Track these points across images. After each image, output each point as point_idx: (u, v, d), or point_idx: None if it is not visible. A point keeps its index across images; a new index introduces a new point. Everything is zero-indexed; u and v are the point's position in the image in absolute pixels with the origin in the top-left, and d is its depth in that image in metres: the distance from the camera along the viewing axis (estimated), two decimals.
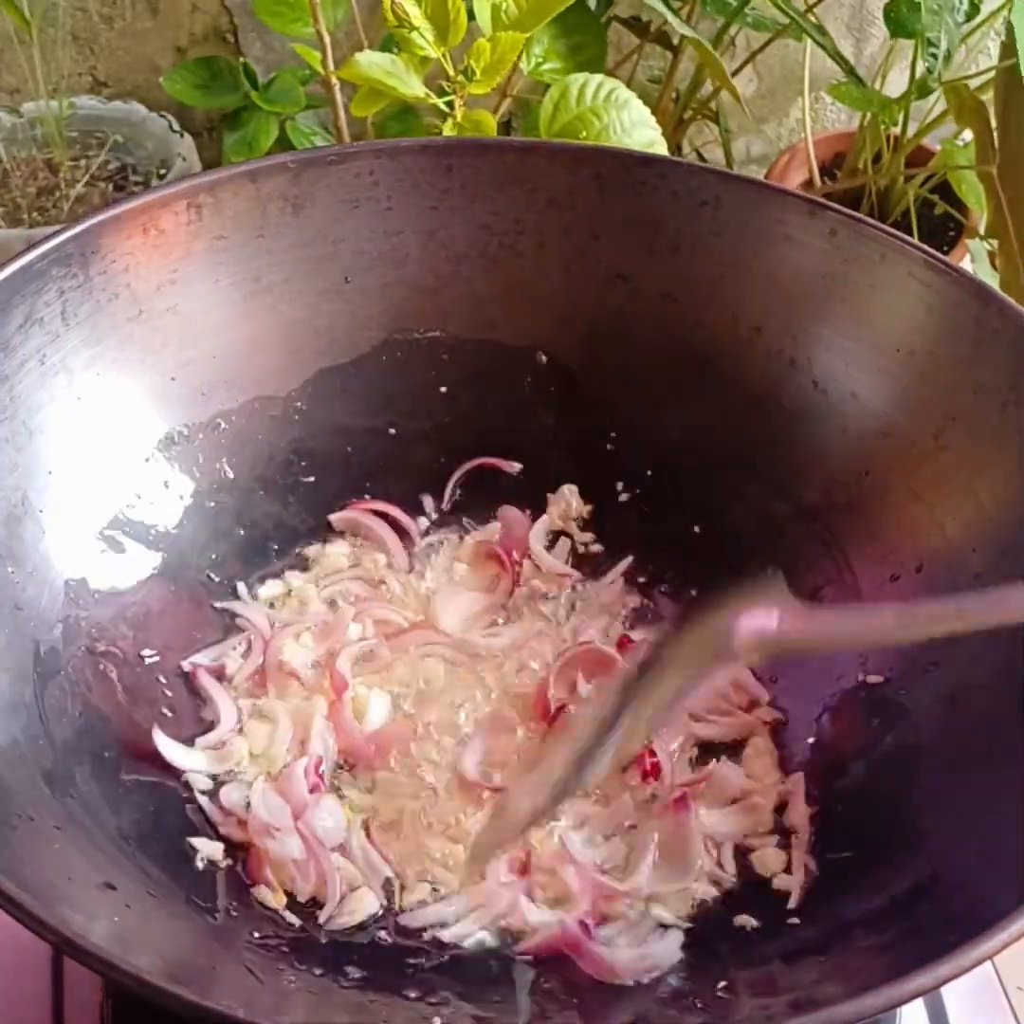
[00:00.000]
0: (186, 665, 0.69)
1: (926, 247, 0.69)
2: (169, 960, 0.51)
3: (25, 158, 1.23)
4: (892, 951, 0.51)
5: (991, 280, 0.99)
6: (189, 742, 0.66)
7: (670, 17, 0.99)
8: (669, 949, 0.58)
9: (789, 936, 0.58)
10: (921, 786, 0.60)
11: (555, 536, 0.78)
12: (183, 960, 0.52)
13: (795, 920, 0.58)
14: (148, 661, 0.67)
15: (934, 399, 0.68)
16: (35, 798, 0.55)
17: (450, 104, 0.87)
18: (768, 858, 0.63)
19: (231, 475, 0.74)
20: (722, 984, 0.55)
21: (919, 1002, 0.68)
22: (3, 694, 0.58)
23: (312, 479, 0.76)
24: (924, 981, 0.44)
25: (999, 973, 0.70)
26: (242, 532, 0.74)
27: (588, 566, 0.77)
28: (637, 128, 0.89)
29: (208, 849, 0.61)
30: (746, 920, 0.60)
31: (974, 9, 1.10)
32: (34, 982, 0.66)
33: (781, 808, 0.65)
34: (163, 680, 0.68)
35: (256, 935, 0.57)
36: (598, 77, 0.90)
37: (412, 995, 0.55)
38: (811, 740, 0.67)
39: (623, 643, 0.72)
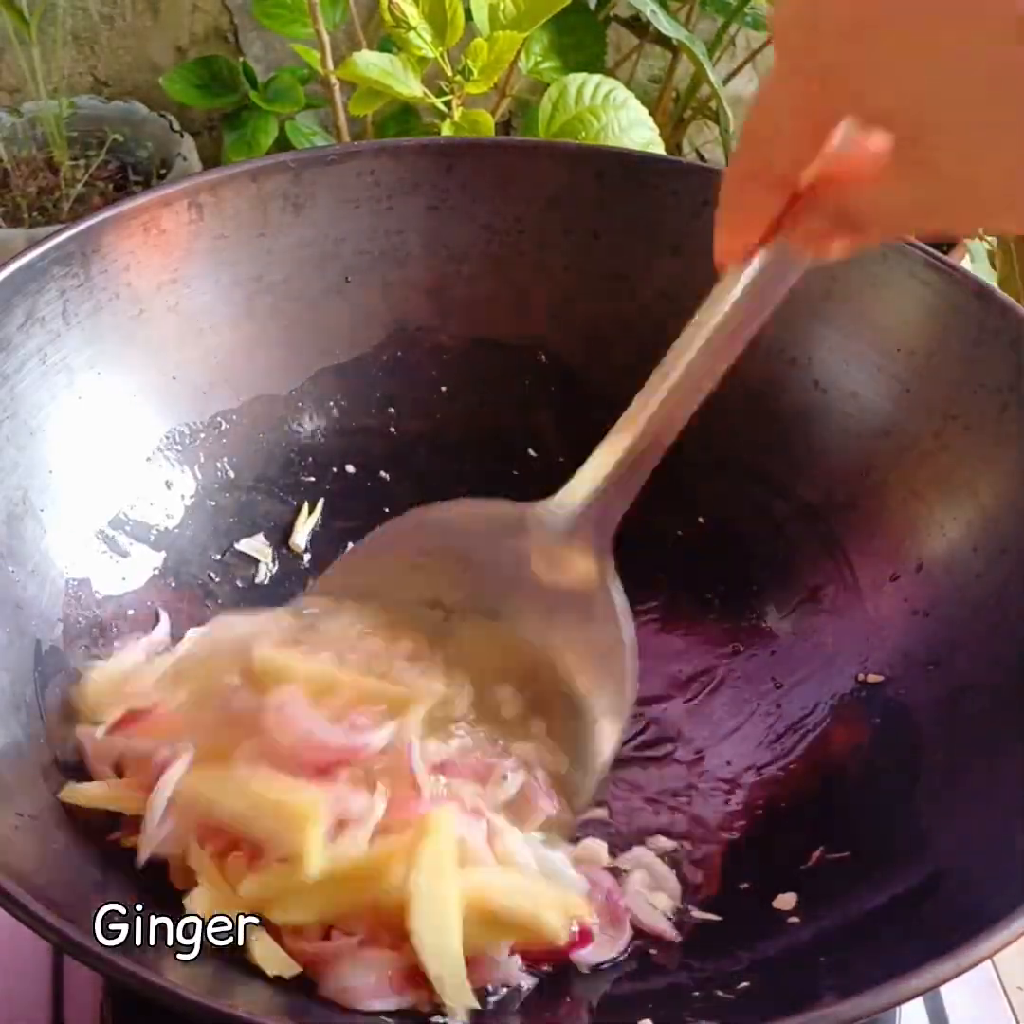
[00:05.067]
0: None
1: (927, 246, 0.69)
2: (169, 959, 0.51)
3: (25, 158, 1.23)
4: (892, 951, 0.51)
5: (990, 279, 0.99)
6: None
7: (660, 17, 0.99)
8: None
9: (789, 936, 0.58)
10: (921, 786, 0.60)
11: None
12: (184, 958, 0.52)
13: (795, 920, 0.58)
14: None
15: (935, 398, 0.68)
16: (35, 797, 0.55)
17: (448, 104, 0.87)
18: None
19: (232, 475, 0.74)
20: (721, 983, 0.55)
21: (919, 1002, 0.68)
22: (4, 693, 0.58)
23: (313, 479, 0.76)
24: (924, 981, 0.44)
25: (999, 973, 0.70)
26: (243, 532, 0.74)
27: None
28: (634, 127, 0.89)
29: None
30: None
31: None
32: (34, 982, 0.66)
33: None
34: None
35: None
36: (596, 77, 0.90)
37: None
38: (811, 740, 0.67)
39: None
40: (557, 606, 0.61)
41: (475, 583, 0.63)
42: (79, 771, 0.58)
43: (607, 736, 0.61)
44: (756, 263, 0.47)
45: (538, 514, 0.60)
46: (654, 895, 0.60)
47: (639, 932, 0.59)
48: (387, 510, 0.77)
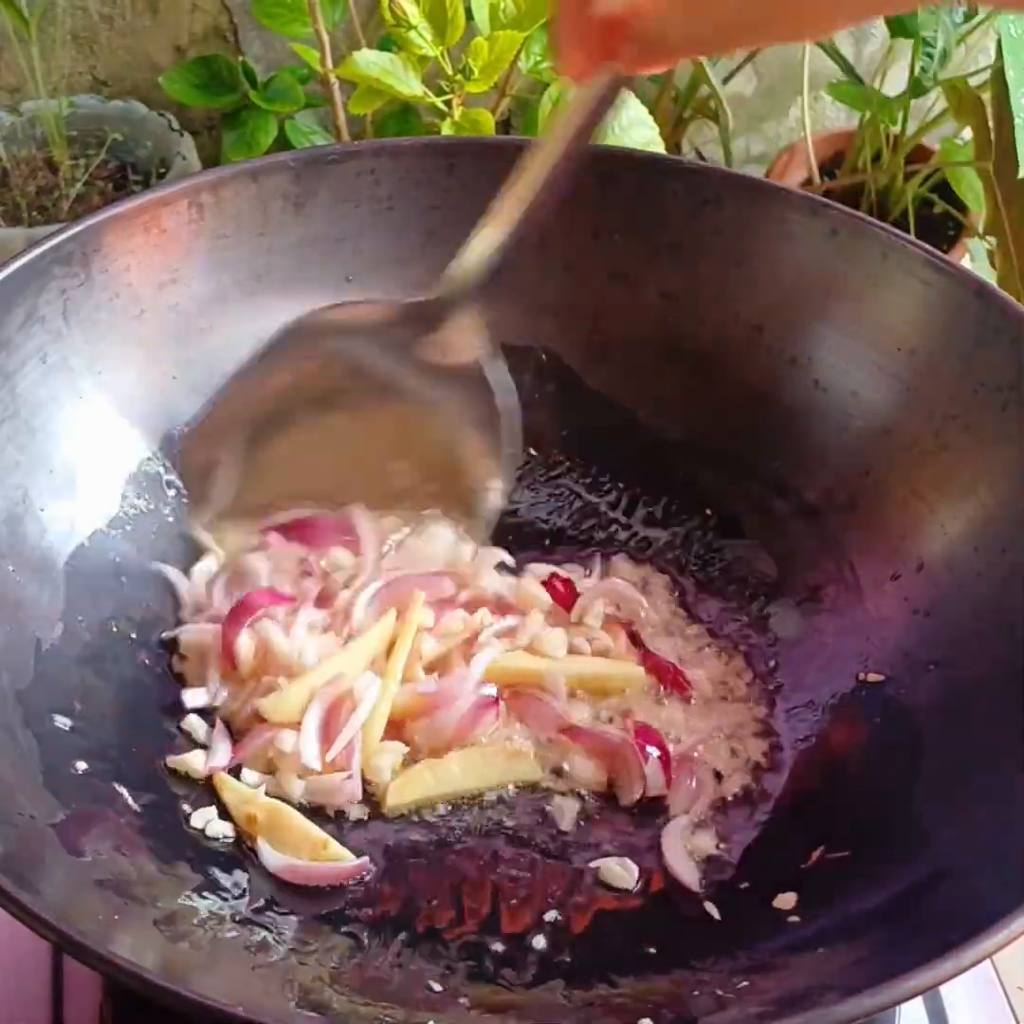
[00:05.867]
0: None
1: (927, 246, 0.69)
2: (169, 958, 0.51)
3: (25, 157, 1.23)
4: (892, 950, 0.51)
5: (990, 278, 0.99)
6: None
7: None
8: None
9: (789, 934, 0.58)
10: (921, 785, 0.60)
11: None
12: (184, 958, 0.52)
13: (795, 919, 0.58)
14: (148, 660, 0.67)
15: (935, 398, 0.68)
16: (35, 797, 0.55)
17: (448, 103, 0.87)
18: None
19: None
20: (721, 983, 0.55)
21: (919, 1001, 0.68)
22: (4, 691, 0.58)
23: None
24: (924, 980, 0.44)
25: (999, 973, 0.70)
26: None
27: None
28: (635, 127, 0.89)
29: (218, 827, 0.62)
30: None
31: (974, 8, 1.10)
32: (34, 982, 0.66)
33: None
34: (163, 678, 0.68)
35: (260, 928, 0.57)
36: None
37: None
38: (811, 739, 0.67)
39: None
40: (442, 384, 0.66)
41: (361, 373, 0.67)
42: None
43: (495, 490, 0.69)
44: (595, 83, 0.56)
45: (421, 303, 0.64)
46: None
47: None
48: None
